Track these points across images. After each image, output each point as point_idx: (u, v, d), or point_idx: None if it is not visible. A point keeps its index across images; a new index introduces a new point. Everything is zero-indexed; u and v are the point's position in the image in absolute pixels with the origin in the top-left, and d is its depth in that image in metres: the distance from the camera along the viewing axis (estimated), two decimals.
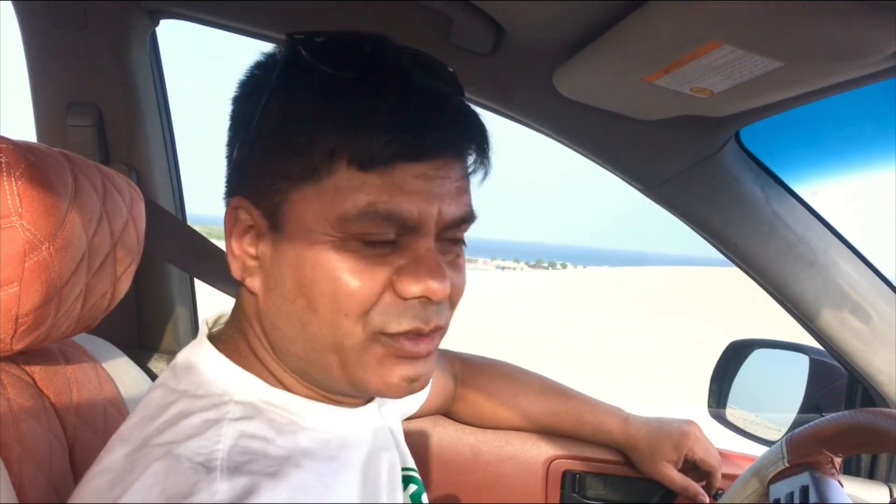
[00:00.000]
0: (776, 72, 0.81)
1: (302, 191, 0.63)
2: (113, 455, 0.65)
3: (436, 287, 0.63)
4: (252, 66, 0.70)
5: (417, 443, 1.33)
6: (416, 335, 0.66)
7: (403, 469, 0.88)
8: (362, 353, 0.65)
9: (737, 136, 1.20)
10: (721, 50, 0.79)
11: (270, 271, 0.67)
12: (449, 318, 0.70)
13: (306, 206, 0.63)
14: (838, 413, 1.00)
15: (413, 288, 0.63)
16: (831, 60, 0.78)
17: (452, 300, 0.69)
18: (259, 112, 0.65)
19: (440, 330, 0.69)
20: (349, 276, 0.63)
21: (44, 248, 0.74)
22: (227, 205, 0.69)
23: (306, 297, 0.64)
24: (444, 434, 1.35)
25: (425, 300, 0.65)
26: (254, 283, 0.68)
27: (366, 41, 0.66)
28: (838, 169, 1.33)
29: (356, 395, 0.72)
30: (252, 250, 0.68)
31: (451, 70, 0.71)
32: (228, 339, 0.73)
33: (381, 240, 0.63)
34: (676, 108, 1.04)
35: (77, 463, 0.86)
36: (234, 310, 0.75)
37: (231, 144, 0.70)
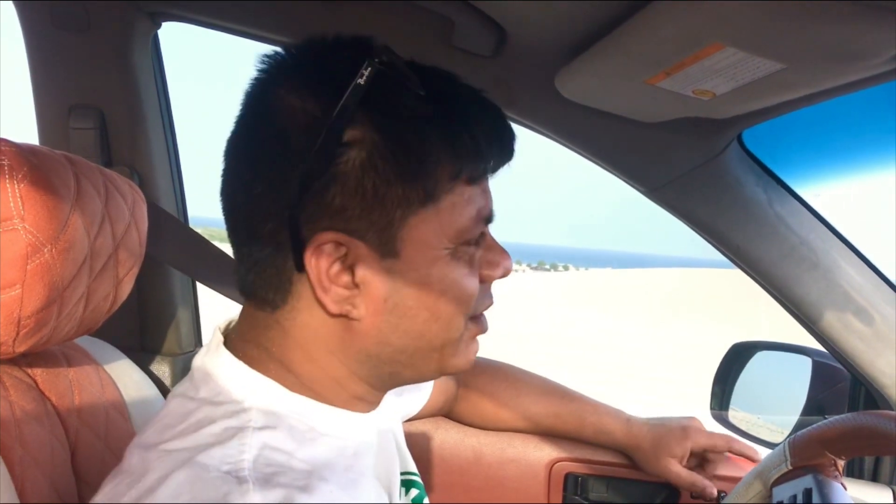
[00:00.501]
0: (778, 74, 0.81)
1: (421, 214, 0.65)
2: (129, 461, 0.65)
3: (509, 265, 0.74)
4: (306, 94, 0.64)
5: (419, 444, 1.33)
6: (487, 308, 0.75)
7: (405, 473, 0.88)
8: (460, 341, 0.71)
9: (739, 139, 1.20)
10: (723, 52, 0.78)
11: (385, 295, 0.66)
12: None
13: (426, 227, 0.65)
14: (841, 415, 1.00)
15: (496, 272, 0.73)
16: (834, 62, 0.78)
17: None
18: (340, 142, 0.62)
19: None
20: (468, 279, 0.69)
21: (46, 250, 0.74)
22: (308, 242, 0.64)
23: (431, 310, 0.67)
24: (445, 436, 1.35)
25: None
26: (358, 311, 0.66)
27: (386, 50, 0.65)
28: (841, 171, 1.33)
29: (425, 380, 0.78)
30: (345, 279, 0.65)
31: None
32: (245, 349, 0.70)
33: (477, 240, 0.70)
34: (679, 110, 1.04)
35: (79, 466, 0.86)
36: (264, 337, 0.70)
37: (278, 176, 0.64)
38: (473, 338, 0.74)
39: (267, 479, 0.59)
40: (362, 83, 0.61)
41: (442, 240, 0.66)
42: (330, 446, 0.68)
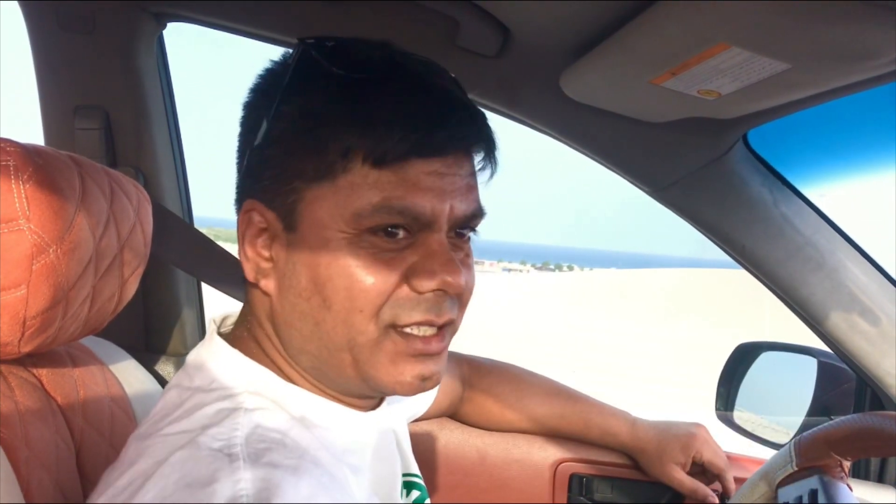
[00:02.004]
0: (784, 74, 0.81)
1: (317, 189, 0.65)
2: (125, 453, 0.66)
3: (450, 280, 0.65)
4: (262, 72, 0.71)
5: (424, 445, 1.33)
6: (427, 327, 0.67)
7: (406, 475, 0.88)
8: (375, 349, 0.67)
9: (744, 139, 1.20)
10: (728, 52, 0.78)
11: (285, 271, 0.67)
12: (460, 316, 0.72)
13: (321, 205, 0.65)
14: (847, 416, 1.00)
15: (428, 282, 0.65)
16: (838, 62, 0.78)
17: (463, 298, 0.71)
18: (271, 115, 0.67)
19: (452, 325, 0.70)
20: (364, 272, 0.64)
21: (51, 250, 0.74)
22: (240, 208, 0.69)
23: (321, 294, 0.65)
24: (450, 437, 1.35)
25: (440, 293, 0.66)
26: (268, 284, 0.69)
27: (374, 45, 0.68)
28: (846, 171, 1.32)
29: (370, 394, 0.73)
30: (266, 252, 0.68)
31: (453, 76, 0.73)
32: (238, 338, 0.73)
33: (395, 236, 0.65)
34: (684, 110, 1.04)
35: (84, 465, 0.87)
36: (243, 312, 0.75)
37: (242, 149, 0.71)
38: (404, 355, 0.67)
39: (258, 455, 0.59)
40: (291, 63, 0.66)
41: (337, 221, 0.64)
42: (319, 438, 0.68)
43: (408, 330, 0.67)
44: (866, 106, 1.05)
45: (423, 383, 0.68)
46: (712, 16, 0.74)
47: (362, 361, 0.67)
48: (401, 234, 0.66)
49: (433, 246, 0.66)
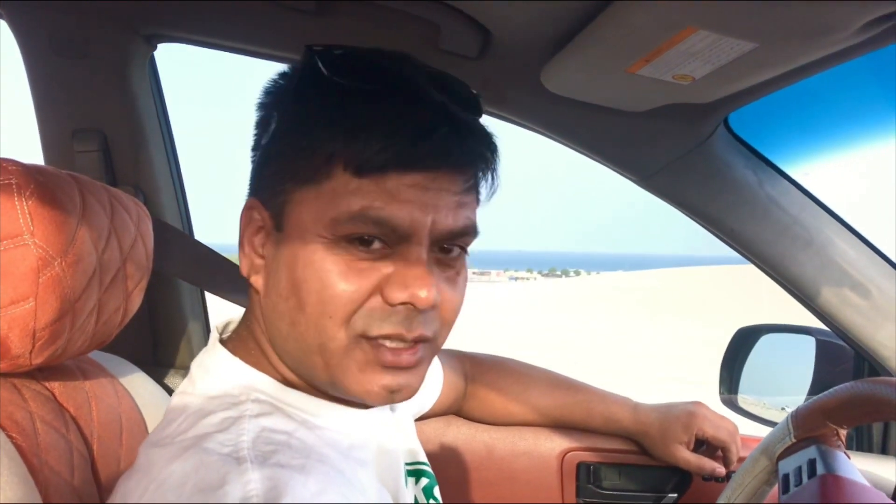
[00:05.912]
0: (752, 53, 0.84)
1: (303, 192, 0.67)
2: (138, 460, 0.68)
3: (422, 295, 0.65)
4: (275, 76, 0.74)
5: (432, 442, 1.35)
6: (398, 340, 0.67)
7: (415, 463, 0.90)
8: (344, 356, 0.67)
9: (726, 123, 1.22)
10: (696, 35, 0.81)
11: (271, 269, 0.70)
12: (440, 333, 0.71)
13: (306, 207, 0.67)
14: (840, 385, 1.01)
15: (399, 294, 0.65)
16: (802, 38, 0.80)
17: (445, 316, 0.71)
18: (274, 117, 0.71)
19: (427, 341, 0.70)
20: (337, 277, 0.65)
21: (56, 263, 0.77)
22: (244, 205, 0.73)
23: (297, 295, 0.67)
24: (458, 433, 1.37)
25: (411, 307, 0.66)
26: (258, 280, 0.72)
27: (388, 56, 0.69)
28: (827, 148, 1.34)
29: (344, 397, 0.73)
30: (261, 250, 0.72)
31: (475, 92, 0.75)
32: (239, 340, 0.76)
33: (371, 245, 0.66)
34: (662, 96, 1.06)
35: (99, 473, 0.89)
36: (246, 311, 0.78)
37: (254, 149, 0.75)
38: (374, 364, 0.67)
39: (265, 457, 0.61)
40: (293, 72, 0.71)
41: (317, 225, 0.66)
42: (323, 438, 0.70)
43: (379, 341, 0.67)
44: (841, 83, 1.07)
45: (392, 395, 0.69)
46: (677, 1, 0.77)
47: (332, 366, 0.67)
48: (376, 244, 0.66)
49: (410, 259, 0.66)
